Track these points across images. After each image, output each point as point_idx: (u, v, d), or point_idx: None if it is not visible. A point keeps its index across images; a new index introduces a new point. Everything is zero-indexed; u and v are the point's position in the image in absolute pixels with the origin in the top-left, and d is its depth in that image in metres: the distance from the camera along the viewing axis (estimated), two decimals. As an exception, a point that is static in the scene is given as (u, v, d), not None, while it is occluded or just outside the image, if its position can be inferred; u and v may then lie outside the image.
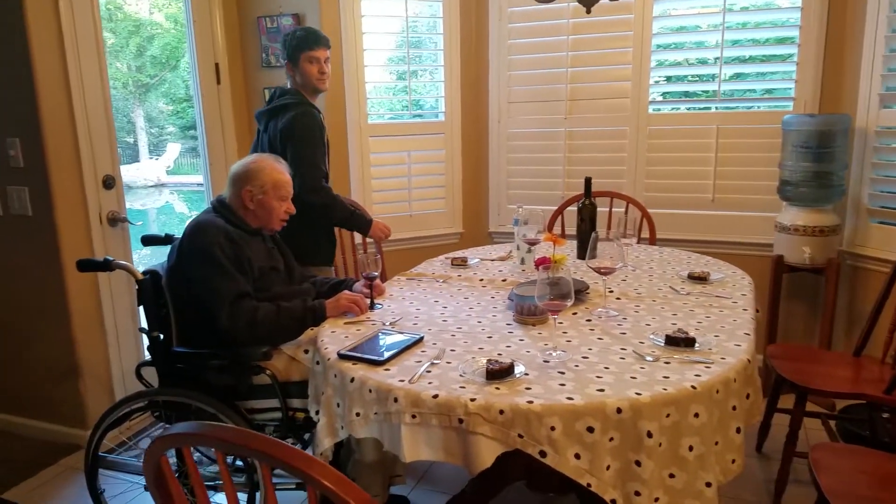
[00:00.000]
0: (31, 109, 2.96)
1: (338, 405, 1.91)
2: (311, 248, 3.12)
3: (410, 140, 4.14)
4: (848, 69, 3.41)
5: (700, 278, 2.61)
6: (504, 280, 2.74)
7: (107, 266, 2.39)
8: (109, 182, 3.23)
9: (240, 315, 2.25)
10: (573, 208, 3.27)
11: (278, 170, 2.49)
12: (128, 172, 3.30)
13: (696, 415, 1.64)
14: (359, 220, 3.20)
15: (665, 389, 1.64)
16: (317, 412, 2.04)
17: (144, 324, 2.42)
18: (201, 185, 4.20)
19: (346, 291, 2.46)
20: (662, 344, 1.93)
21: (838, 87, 3.46)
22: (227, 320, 2.24)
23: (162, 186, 14.11)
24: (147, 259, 6.94)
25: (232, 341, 2.28)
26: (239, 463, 2.43)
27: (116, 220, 3.26)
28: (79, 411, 3.28)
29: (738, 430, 1.75)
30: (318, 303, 2.36)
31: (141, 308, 2.43)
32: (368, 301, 2.42)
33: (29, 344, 3.31)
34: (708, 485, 1.65)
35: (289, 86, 3.13)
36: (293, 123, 3.01)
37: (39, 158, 3.01)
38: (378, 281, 2.52)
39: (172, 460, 2.16)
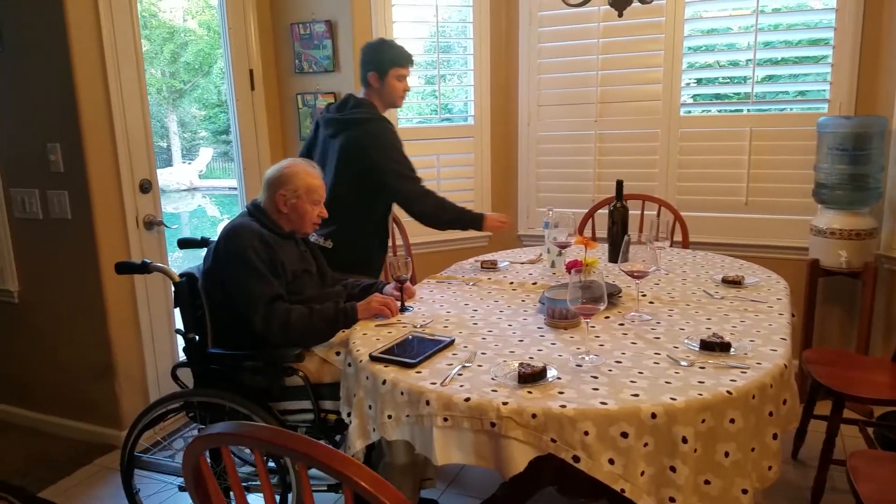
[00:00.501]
0: (72, 115, 3.02)
1: (370, 407, 1.92)
2: (364, 261, 3.09)
3: (440, 143, 4.16)
4: (884, 71, 3.35)
5: (734, 282, 2.59)
6: (534, 283, 2.73)
7: (144, 268, 2.43)
8: (146, 186, 3.28)
9: (273, 317, 2.28)
10: (604, 211, 3.26)
11: (312, 174, 2.51)
12: (161, 176, 3.38)
13: (732, 420, 1.62)
14: (470, 217, 3.07)
15: (700, 395, 1.63)
16: (348, 414, 2.05)
17: (180, 325, 2.46)
18: (233, 188, 4.26)
19: (377, 294, 2.48)
20: (697, 349, 1.91)
21: (874, 88, 3.40)
22: (262, 322, 2.27)
23: (194, 190, 14.32)
24: (179, 262, 7.03)
25: (266, 343, 2.31)
26: (271, 464, 2.45)
27: (152, 223, 3.31)
28: (114, 411, 3.33)
29: (775, 437, 1.72)
30: (350, 305, 2.38)
31: (177, 310, 2.47)
32: (399, 304, 2.43)
33: (66, 345, 3.38)
34: (744, 491, 1.63)
35: (362, 94, 3.05)
36: (377, 138, 2.95)
37: (79, 163, 3.07)
38: (408, 283, 2.53)
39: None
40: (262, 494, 1.18)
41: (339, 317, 2.35)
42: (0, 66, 3.16)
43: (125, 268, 2.51)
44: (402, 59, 2.99)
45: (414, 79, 4.13)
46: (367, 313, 2.36)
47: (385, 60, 2.98)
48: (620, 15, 2.54)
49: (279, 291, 2.33)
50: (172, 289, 2.45)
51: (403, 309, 2.43)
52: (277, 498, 2.32)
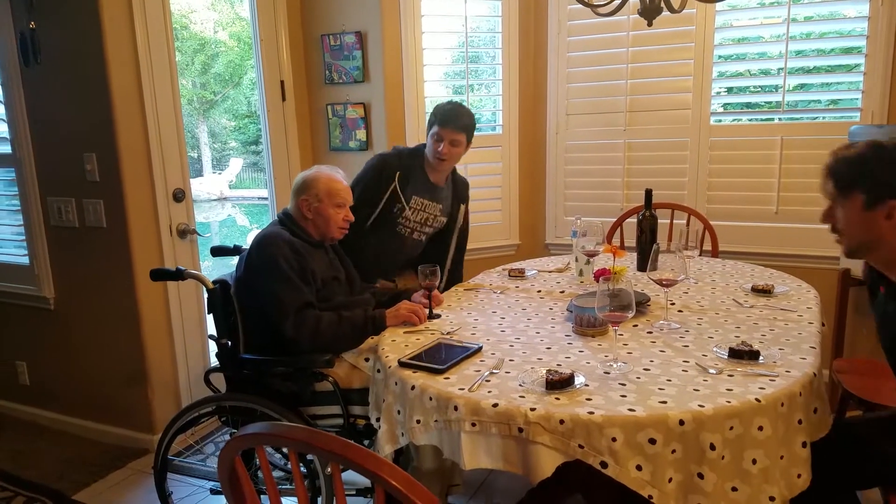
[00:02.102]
0: (108, 126, 3.09)
1: (398, 412, 1.94)
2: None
3: (468, 153, 4.17)
4: (918, 78, 3.32)
5: (764, 291, 2.57)
6: (562, 292, 2.74)
7: (179, 275, 2.48)
8: (179, 195, 3.34)
9: (304, 324, 2.31)
10: (632, 220, 3.25)
11: (333, 178, 2.56)
12: (192, 186, 3.42)
13: (761, 428, 1.62)
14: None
15: (728, 402, 1.63)
16: (377, 419, 2.07)
17: (213, 331, 2.51)
18: (263, 198, 4.32)
19: (406, 301, 2.50)
20: (726, 356, 1.91)
21: (908, 97, 3.37)
22: (292, 329, 2.31)
23: (224, 200, 14.49)
24: (208, 270, 7.11)
25: (296, 349, 2.34)
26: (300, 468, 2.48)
27: (186, 232, 3.37)
28: (146, 416, 3.39)
29: (805, 445, 1.71)
30: (378, 312, 2.41)
31: (210, 316, 2.52)
32: (427, 311, 2.45)
33: (100, 350, 3.44)
34: (772, 499, 1.62)
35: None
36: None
37: (114, 173, 3.14)
38: (436, 291, 2.55)
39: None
40: (289, 498, 1.21)
41: (367, 324, 2.39)
42: (38, 78, 3.24)
43: (160, 275, 2.56)
44: (436, 119, 2.98)
45: (442, 88, 4.18)
46: (396, 320, 2.38)
47: (429, 120, 3.03)
48: (650, 24, 2.54)
49: (309, 299, 2.37)
50: (206, 295, 2.50)
51: (431, 316, 2.45)
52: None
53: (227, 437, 3.33)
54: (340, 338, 2.40)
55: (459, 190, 3.24)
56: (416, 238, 3.14)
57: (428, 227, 3.14)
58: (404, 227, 3.07)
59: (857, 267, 3.28)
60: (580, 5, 2.60)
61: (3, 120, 3.42)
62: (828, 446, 1.84)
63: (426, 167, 3.07)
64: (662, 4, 2.46)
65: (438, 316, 2.47)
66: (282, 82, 3.95)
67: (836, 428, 1.90)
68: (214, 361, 2.56)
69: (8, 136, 3.42)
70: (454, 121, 2.95)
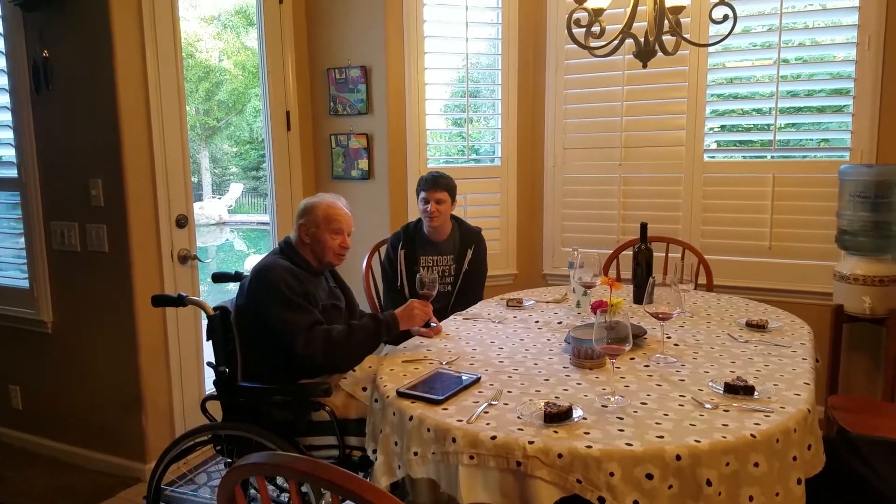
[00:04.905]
0: (115, 152, 3.12)
1: (395, 444, 1.94)
2: None
3: (467, 183, 4.21)
4: (906, 121, 3.38)
5: (758, 326, 2.60)
6: (560, 323, 2.76)
7: (180, 302, 2.49)
8: (182, 221, 3.37)
9: (314, 340, 2.33)
10: (628, 252, 3.29)
11: (333, 205, 2.59)
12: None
13: (756, 464, 1.63)
14: None
15: (724, 437, 1.64)
16: (374, 451, 2.06)
17: (210, 358, 2.51)
18: (262, 223, 4.36)
19: (414, 300, 2.53)
20: (721, 391, 1.93)
21: (895, 137, 3.43)
22: (304, 347, 2.32)
23: (223, 224, 14.51)
24: (205, 295, 7.10)
25: (305, 373, 2.35)
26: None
27: (187, 257, 3.39)
28: (139, 444, 3.35)
29: (800, 482, 1.73)
30: (390, 314, 2.46)
31: (208, 343, 2.52)
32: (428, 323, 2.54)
33: (97, 376, 3.42)
34: (768, 536, 1.63)
35: None
36: None
37: (119, 198, 3.16)
38: (435, 319, 2.59)
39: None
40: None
41: (380, 328, 2.43)
42: (49, 104, 3.28)
43: (161, 301, 2.56)
44: (421, 187, 3.42)
45: (443, 121, 4.26)
46: (411, 322, 2.46)
47: (416, 190, 3.48)
48: (644, 66, 2.59)
49: (317, 317, 2.39)
50: (205, 322, 2.51)
51: (427, 324, 2.54)
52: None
53: (222, 466, 3.31)
54: (355, 346, 2.41)
55: (465, 237, 3.53)
56: (442, 290, 3.41)
57: (448, 277, 3.48)
58: None
59: (849, 303, 3.31)
60: (577, 46, 2.65)
61: (11, 145, 3.45)
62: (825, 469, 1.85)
63: (426, 230, 3.47)
64: (657, 47, 2.52)
65: (435, 324, 2.57)
66: (287, 113, 4.01)
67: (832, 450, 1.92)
68: (210, 388, 2.55)
69: (15, 161, 3.46)
70: (435, 184, 3.37)
